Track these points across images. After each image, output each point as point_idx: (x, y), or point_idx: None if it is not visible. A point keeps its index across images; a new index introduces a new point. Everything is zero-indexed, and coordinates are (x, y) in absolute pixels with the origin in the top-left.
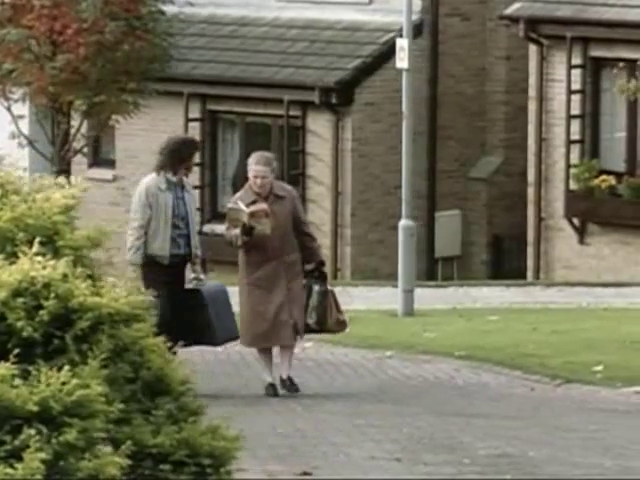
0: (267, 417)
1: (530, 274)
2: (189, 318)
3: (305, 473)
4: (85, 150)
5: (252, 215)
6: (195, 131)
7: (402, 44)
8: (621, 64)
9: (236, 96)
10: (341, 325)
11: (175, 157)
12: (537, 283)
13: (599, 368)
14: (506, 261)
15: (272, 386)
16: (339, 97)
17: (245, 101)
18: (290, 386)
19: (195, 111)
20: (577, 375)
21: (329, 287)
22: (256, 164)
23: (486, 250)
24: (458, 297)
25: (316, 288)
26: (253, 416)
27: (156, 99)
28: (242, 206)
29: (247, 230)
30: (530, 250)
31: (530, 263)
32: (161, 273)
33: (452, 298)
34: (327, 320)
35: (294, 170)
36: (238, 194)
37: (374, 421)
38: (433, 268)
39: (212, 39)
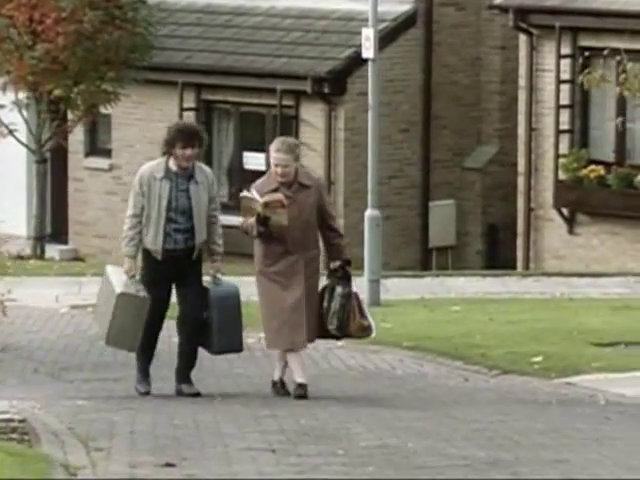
0: (174, 408)
1: (520, 264)
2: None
3: (168, 464)
4: (62, 139)
5: (267, 205)
6: (190, 120)
7: (368, 34)
8: (587, 53)
9: (230, 86)
10: (365, 330)
11: (164, 143)
12: (513, 273)
13: (538, 359)
14: (501, 251)
15: (276, 384)
16: (331, 87)
17: (239, 91)
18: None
19: (190, 100)
20: (515, 366)
21: (354, 289)
22: (277, 151)
23: (481, 240)
24: (433, 287)
25: (339, 290)
26: (164, 407)
27: (151, 88)
28: (256, 195)
29: (262, 220)
30: (520, 240)
31: (520, 253)
32: (159, 268)
33: (427, 288)
34: (349, 325)
35: None
36: (260, 180)
37: (279, 412)
38: (427, 258)
39: (208, 28)
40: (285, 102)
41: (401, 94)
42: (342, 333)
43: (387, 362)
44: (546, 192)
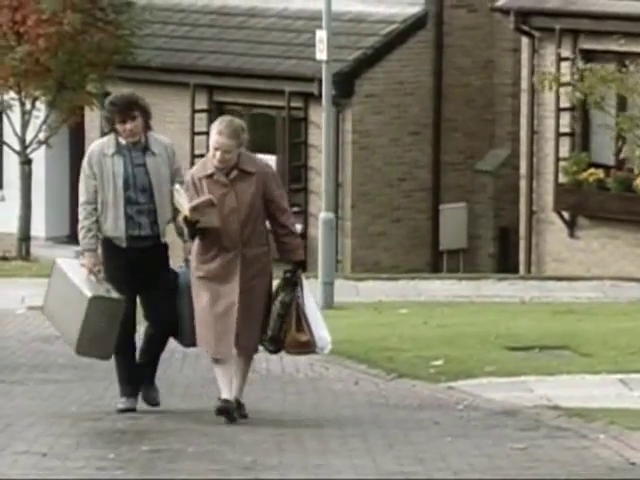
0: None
1: (522, 268)
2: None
3: None
4: (50, 141)
5: (195, 209)
6: (202, 122)
7: (321, 36)
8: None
9: (241, 87)
10: (302, 347)
11: (105, 121)
12: (490, 277)
13: (438, 363)
14: (512, 254)
15: (222, 403)
16: (339, 89)
17: (250, 92)
18: (231, 412)
19: (202, 102)
20: (413, 370)
21: (299, 297)
22: (219, 134)
23: (492, 243)
24: (405, 290)
25: (280, 297)
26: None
27: (163, 90)
28: (184, 196)
29: (191, 224)
30: (522, 244)
31: (522, 257)
32: (123, 259)
33: (399, 291)
34: (283, 339)
35: (297, 162)
36: (194, 167)
37: (109, 416)
38: (437, 261)
39: (221, 30)
40: (293, 104)
41: (411, 96)
42: (275, 347)
43: (296, 365)
44: (547, 195)
